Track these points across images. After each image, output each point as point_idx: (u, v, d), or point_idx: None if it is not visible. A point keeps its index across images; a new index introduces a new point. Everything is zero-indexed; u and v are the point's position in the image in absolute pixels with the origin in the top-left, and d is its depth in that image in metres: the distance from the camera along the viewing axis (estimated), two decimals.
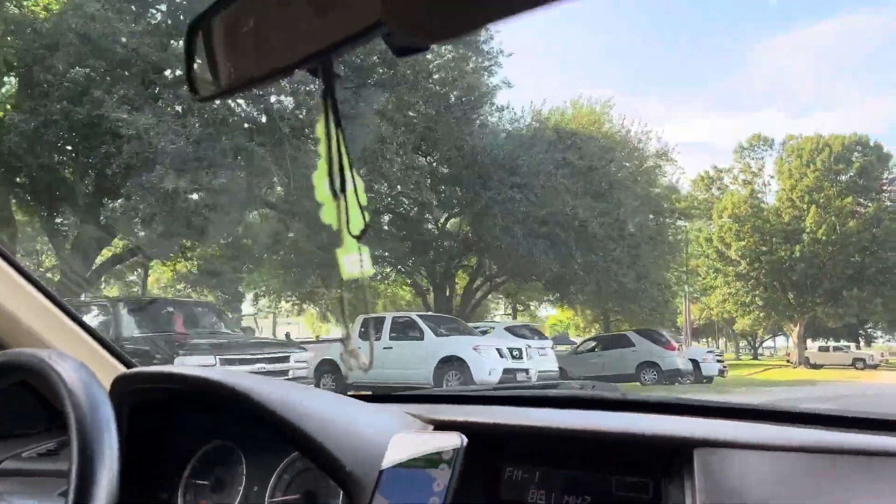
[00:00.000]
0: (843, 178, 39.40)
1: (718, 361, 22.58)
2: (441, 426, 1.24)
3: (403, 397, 1.71)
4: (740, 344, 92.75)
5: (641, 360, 19.52)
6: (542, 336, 18.98)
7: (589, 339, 22.02)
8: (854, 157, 39.57)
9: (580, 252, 19.60)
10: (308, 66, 0.59)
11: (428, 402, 1.47)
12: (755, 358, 76.08)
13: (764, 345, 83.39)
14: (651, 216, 25.08)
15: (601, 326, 71.72)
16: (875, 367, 44.20)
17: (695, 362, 21.14)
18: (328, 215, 0.65)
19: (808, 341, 56.34)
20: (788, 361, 46.91)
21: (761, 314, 41.98)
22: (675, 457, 1.04)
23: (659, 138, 24.16)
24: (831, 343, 50.37)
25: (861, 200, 39.53)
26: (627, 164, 23.45)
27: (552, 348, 17.55)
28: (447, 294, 25.04)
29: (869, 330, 70.22)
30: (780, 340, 68.17)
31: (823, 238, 37.41)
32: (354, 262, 0.66)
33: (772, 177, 44.43)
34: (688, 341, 34.32)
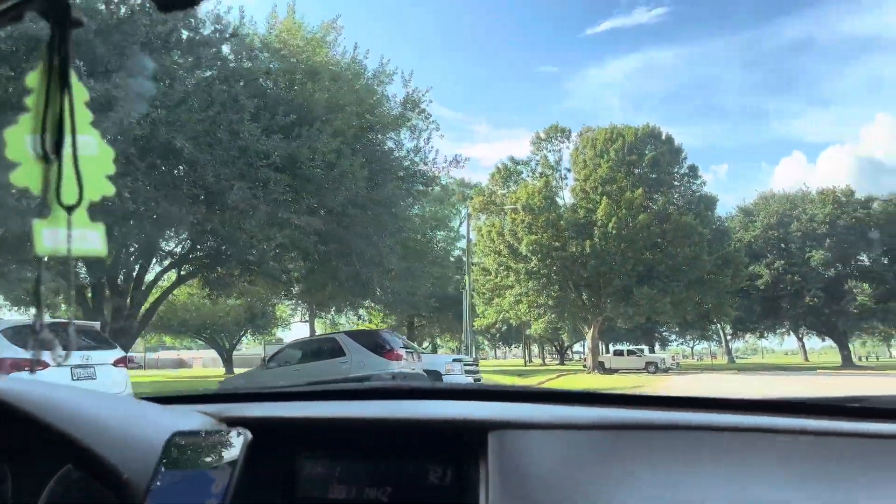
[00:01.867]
0: (637, 171, 36.70)
1: (471, 372, 17.19)
2: (233, 424, 1.18)
3: (201, 397, 1.55)
4: (545, 348, 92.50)
5: (352, 374, 13.47)
6: None
7: (290, 346, 15.57)
8: (647, 150, 37.01)
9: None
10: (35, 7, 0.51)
11: (228, 401, 1.40)
12: (562, 363, 75.21)
13: (574, 349, 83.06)
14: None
15: (405, 334, 67.03)
16: (667, 370, 42.78)
17: (435, 374, 15.66)
18: (24, 177, 0.53)
19: (618, 345, 55.28)
20: (584, 366, 44.37)
21: (553, 316, 38.21)
22: (471, 440, 1.07)
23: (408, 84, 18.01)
24: (626, 347, 48.51)
25: (653, 196, 37.07)
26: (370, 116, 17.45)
27: None
28: None
29: (664, 333, 71.18)
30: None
31: (614, 232, 34.23)
32: (57, 237, 0.55)
33: (568, 169, 41.31)
34: (469, 347, 29.66)
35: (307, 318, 47.99)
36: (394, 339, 14.25)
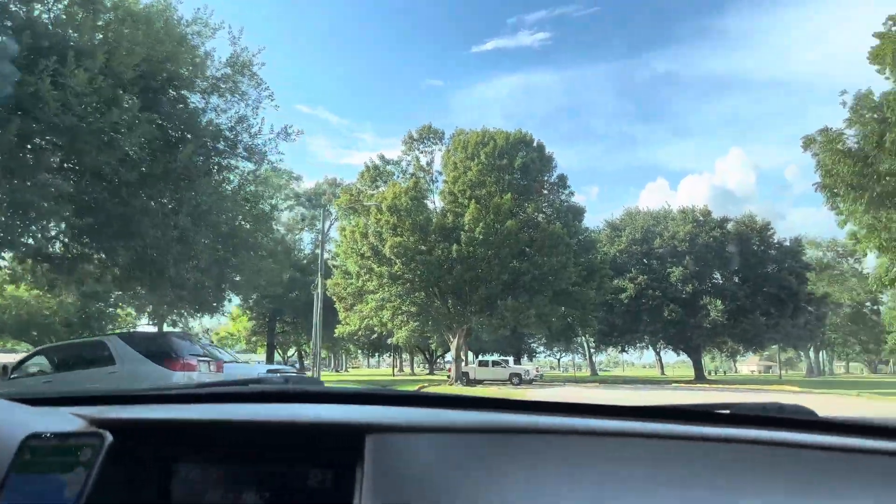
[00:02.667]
0: (507, 176, 35.37)
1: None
2: (106, 426, 1.15)
3: (77, 398, 1.45)
4: (414, 358, 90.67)
5: (123, 386, 10.44)
6: None
7: (42, 351, 12.07)
8: (518, 156, 35.80)
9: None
10: None
11: (106, 403, 1.36)
12: (431, 373, 73.56)
13: (446, 358, 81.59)
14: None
15: (265, 338, 62.74)
16: (530, 382, 41.88)
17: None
18: None
19: (487, 355, 54.04)
20: (448, 377, 42.68)
21: (416, 324, 36.06)
22: (349, 443, 1.08)
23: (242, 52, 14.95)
24: (492, 357, 47.29)
25: (522, 203, 35.87)
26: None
27: None
28: None
29: (532, 344, 71.14)
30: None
31: (481, 238, 32.62)
32: None
33: (440, 172, 39.49)
34: (317, 355, 26.96)
35: (156, 321, 43.33)
36: (184, 346, 11.32)
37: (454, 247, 32.96)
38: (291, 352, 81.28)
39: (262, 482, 1.13)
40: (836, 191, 20.70)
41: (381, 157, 41.64)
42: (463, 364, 48.80)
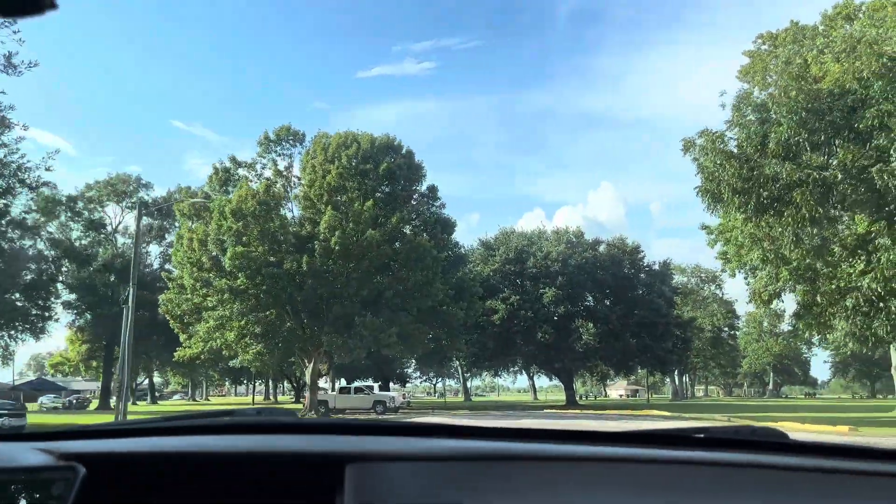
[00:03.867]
0: (370, 182, 31.75)
1: (13, 415, 10.17)
2: (76, 459, 1.10)
3: (44, 434, 1.41)
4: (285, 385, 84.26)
5: None
6: None
7: None
8: (385, 160, 32.29)
9: None
10: None
11: (75, 438, 1.32)
12: (297, 401, 67.97)
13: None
14: None
15: (101, 362, 55.08)
16: (396, 409, 38.14)
17: None
18: None
19: (356, 381, 49.31)
20: (304, 406, 38.13)
21: (260, 346, 31.38)
22: (329, 473, 1.07)
23: None
24: (354, 384, 43.06)
25: (387, 212, 32.32)
26: None
27: None
28: None
29: (407, 369, 67.27)
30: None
31: (337, 248, 28.68)
32: None
33: (298, 177, 35.28)
34: (124, 382, 21.97)
35: None
36: None
37: (306, 258, 28.80)
38: (141, 378, 73.10)
39: None
40: (718, 195, 18.61)
41: (233, 160, 36.86)
42: (327, 390, 44.24)
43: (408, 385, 74.18)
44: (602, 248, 51.83)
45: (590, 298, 51.02)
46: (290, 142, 36.38)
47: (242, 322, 30.61)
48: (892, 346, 39.52)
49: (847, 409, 45.06)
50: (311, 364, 33.34)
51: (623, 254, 51.15)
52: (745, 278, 30.07)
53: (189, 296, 31.29)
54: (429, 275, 30.48)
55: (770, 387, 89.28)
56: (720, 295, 78.33)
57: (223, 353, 33.43)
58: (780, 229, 18.16)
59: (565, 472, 1.10)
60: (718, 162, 18.66)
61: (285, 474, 1.14)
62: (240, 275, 28.90)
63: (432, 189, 36.60)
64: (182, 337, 34.03)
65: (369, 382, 44.19)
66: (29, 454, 1.15)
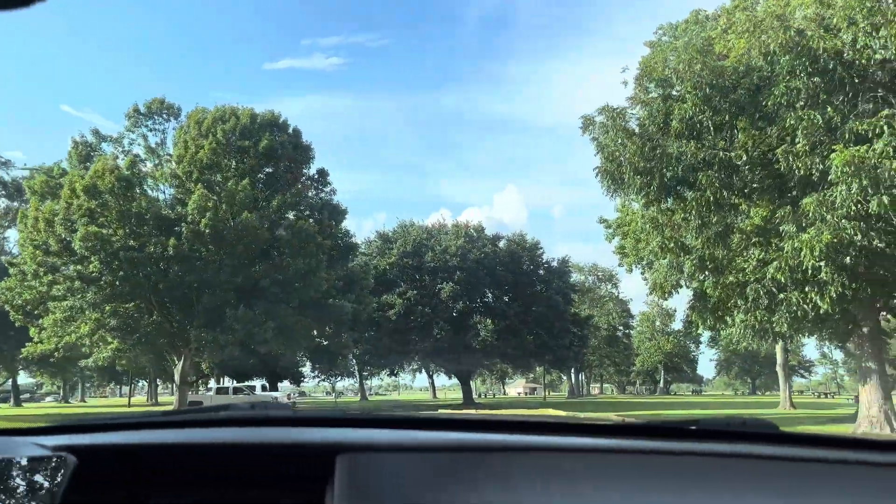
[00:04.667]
0: (248, 160, 28.57)
1: None
2: (69, 451, 1.10)
3: (38, 429, 1.38)
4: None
5: None
6: None
7: None
8: (265, 137, 29.15)
9: None
10: None
11: (70, 433, 1.29)
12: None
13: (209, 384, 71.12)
14: None
15: None
16: None
17: None
18: None
19: (246, 380, 45.23)
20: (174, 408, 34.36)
21: (117, 342, 27.60)
22: (320, 463, 1.08)
23: None
24: (233, 384, 39.58)
25: (268, 194, 29.24)
26: None
27: None
28: None
29: (301, 369, 63.67)
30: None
31: (208, 231, 25.43)
32: None
33: (170, 155, 31.56)
34: None
35: None
36: None
37: (172, 241, 25.36)
38: (2, 380, 65.68)
39: None
40: (619, 176, 16.98)
41: (96, 133, 32.69)
42: (203, 390, 40.51)
43: (303, 385, 70.61)
44: (502, 243, 50.48)
45: (489, 295, 49.57)
46: (164, 116, 32.59)
47: (97, 314, 26.74)
48: (778, 344, 40.20)
49: (733, 406, 45.79)
50: (181, 362, 29.78)
51: (522, 250, 49.96)
52: (642, 273, 29.12)
53: (32, 283, 27.05)
54: (312, 263, 27.68)
55: (661, 384, 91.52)
56: (616, 294, 79.32)
57: (84, 349, 29.35)
58: (682, 215, 16.75)
59: (557, 463, 1.10)
60: (619, 140, 17.05)
61: (278, 465, 1.14)
62: (92, 259, 25.10)
63: (322, 173, 33.76)
64: (32, 331, 29.66)
65: (252, 382, 40.70)
66: (21, 447, 1.11)
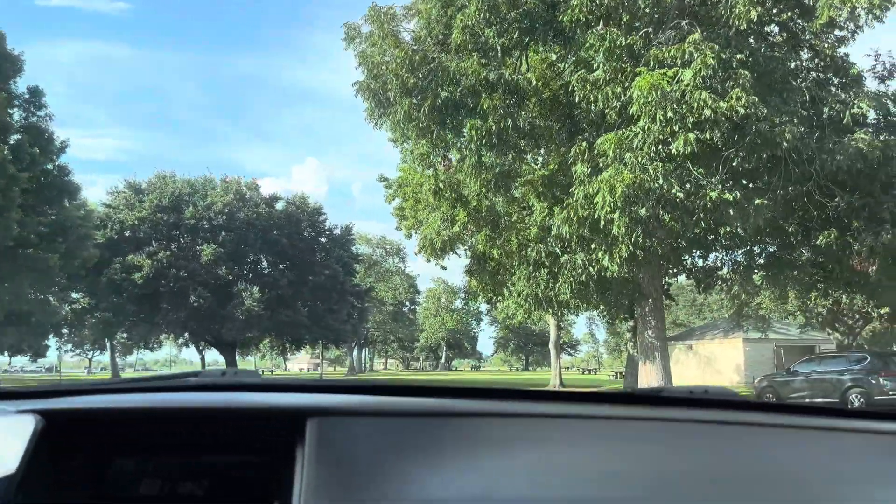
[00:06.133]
0: None
1: None
2: (33, 414, 1.06)
3: (20, 393, 1.31)
4: None
5: None
6: None
7: None
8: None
9: None
10: None
11: (30, 397, 1.23)
12: None
13: None
14: None
15: None
16: None
17: None
18: None
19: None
20: None
21: None
22: (290, 427, 1.06)
23: None
24: None
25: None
26: None
27: None
28: None
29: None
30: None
31: None
32: None
33: None
34: None
35: None
36: None
37: None
38: None
39: (199, 471, 1.12)
40: (384, 95, 13.00)
41: None
42: None
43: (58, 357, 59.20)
44: (280, 205, 45.01)
45: (263, 261, 44.06)
46: None
47: None
48: (552, 322, 39.63)
49: (509, 381, 45.31)
50: None
51: (303, 214, 44.93)
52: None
53: None
54: None
55: (443, 360, 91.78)
56: (403, 268, 77.22)
57: None
58: (458, 150, 13.23)
59: (522, 428, 1.11)
60: (385, 48, 13.07)
61: (248, 429, 1.13)
62: None
63: (35, 92, 26.09)
64: None
65: None
66: None
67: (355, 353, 74.74)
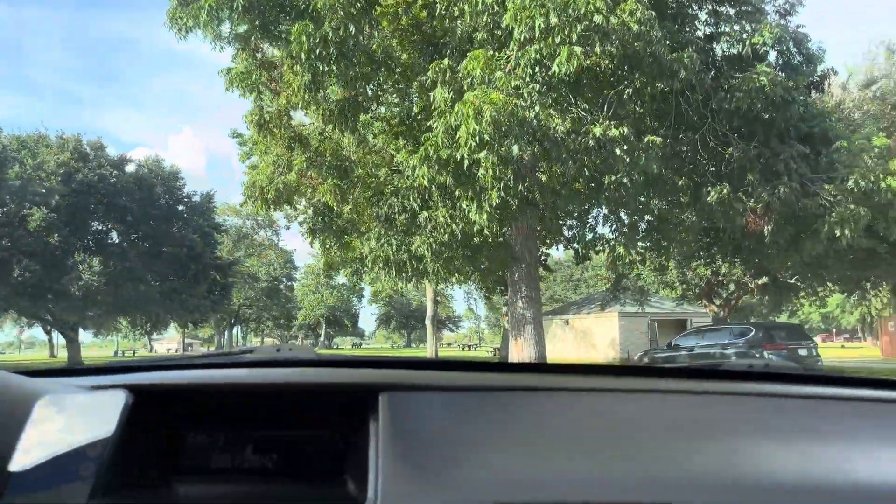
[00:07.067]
0: None
1: None
2: (118, 389, 1.09)
3: (72, 370, 1.32)
4: None
5: None
6: None
7: None
8: None
9: None
10: None
11: (101, 373, 1.23)
12: None
13: None
14: None
15: None
16: None
17: None
18: None
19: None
20: None
21: None
22: (362, 401, 1.08)
23: None
24: None
25: None
26: None
27: None
28: None
29: None
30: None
31: None
32: None
33: None
34: None
35: None
36: None
37: None
38: None
39: (270, 445, 1.14)
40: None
41: None
42: None
43: None
44: (130, 167, 39.63)
45: (109, 229, 38.67)
46: None
47: None
48: (429, 296, 37.42)
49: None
50: None
51: (156, 178, 39.82)
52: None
53: None
54: None
55: (322, 338, 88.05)
56: (277, 242, 72.51)
57: None
58: (293, 67, 10.20)
59: (587, 402, 1.12)
60: None
61: (318, 404, 1.16)
62: None
63: None
64: None
65: None
66: (66, 389, 1.08)
67: (226, 331, 69.54)
